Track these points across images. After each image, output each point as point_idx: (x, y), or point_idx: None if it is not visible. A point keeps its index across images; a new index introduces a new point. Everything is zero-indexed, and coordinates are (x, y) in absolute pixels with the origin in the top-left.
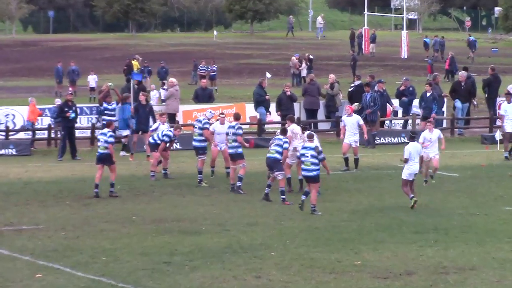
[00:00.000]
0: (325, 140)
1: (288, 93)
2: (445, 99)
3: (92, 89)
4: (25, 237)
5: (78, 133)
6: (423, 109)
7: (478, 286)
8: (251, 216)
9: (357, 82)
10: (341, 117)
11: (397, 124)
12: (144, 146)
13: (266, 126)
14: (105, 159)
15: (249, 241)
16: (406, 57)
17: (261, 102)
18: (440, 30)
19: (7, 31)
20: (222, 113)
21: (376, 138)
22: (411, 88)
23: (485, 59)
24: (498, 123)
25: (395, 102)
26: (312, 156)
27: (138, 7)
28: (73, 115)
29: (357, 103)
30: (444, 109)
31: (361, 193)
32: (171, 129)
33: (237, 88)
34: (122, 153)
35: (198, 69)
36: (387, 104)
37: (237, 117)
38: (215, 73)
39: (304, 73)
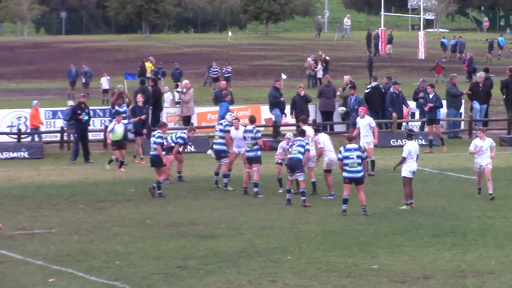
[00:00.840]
0: (342, 142)
1: (302, 93)
2: (462, 100)
3: (105, 91)
4: (37, 241)
5: (91, 136)
6: (426, 112)
7: None
8: (266, 219)
9: (373, 84)
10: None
11: (414, 126)
12: (136, 147)
13: (281, 128)
14: (154, 161)
15: (264, 245)
16: (423, 58)
17: (276, 104)
18: (458, 31)
19: (19, 32)
20: (237, 118)
21: (393, 140)
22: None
23: (504, 60)
24: None
25: (412, 104)
26: (358, 157)
27: (151, 8)
28: (86, 117)
29: (343, 108)
30: (462, 110)
31: (377, 196)
32: (185, 131)
33: (252, 89)
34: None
35: (210, 71)
36: (403, 105)
37: (252, 120)
38: (229, 74)
39: (319, 74)
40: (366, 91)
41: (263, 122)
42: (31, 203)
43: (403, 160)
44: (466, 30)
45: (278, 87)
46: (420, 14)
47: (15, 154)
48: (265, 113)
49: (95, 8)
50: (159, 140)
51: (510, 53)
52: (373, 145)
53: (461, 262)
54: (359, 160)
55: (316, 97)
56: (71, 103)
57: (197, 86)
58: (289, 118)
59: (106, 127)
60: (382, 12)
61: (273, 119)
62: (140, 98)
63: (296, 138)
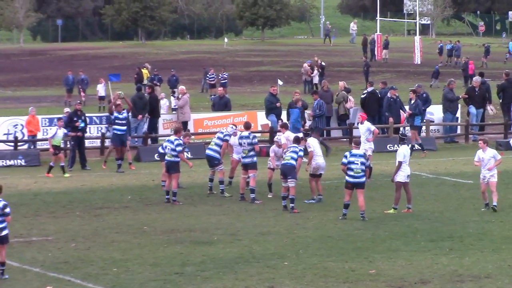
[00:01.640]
0: (339, 148)
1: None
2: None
3: (102, 98)
4: (35, 248)
5: (87, 143)
6: (406, 118)
7: None
8: (263, 225)
9: (369, 89)
10: (353, 124)
11: None
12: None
13: (278, 134)
14: (171, 167)
15: (262, 251)
16: (419, 62)
17: (272, 109)
18: (454, 35)
19: (15, 40)
20: (234, 125)
21: (389, 145)
22: (424, 95)
23: (500, 64)
24: None
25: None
26: (362, 164)
27: (147, 15)
28: (82, 124)
29: (308, 111)
30: (458, 115)
31: (374, 201)
32: (181, 137)
33: (248, 95)
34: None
35: (207, 77)
36: (401, 110)
37: (247, 126)
38: (226, 80)
39: (316, 80)
40: (362, 96)
41: (259, 128)
42: (28, 210)
43: (400, 165)
44: (462, 35)
45: (273, 93)
46: (416, 19)
47: (12, 162)
48: (261, 119)
49: (91, 15)
50: (179, 148)
51: (506, 57)
52: (371, 151)
53: (458, 267)
54: (363, 167)
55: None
56: (67, 110)
57: (194, 93)
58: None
59: (103, 134)
60: (378, 17)
61: (270, 125)
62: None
63: (292, 145)
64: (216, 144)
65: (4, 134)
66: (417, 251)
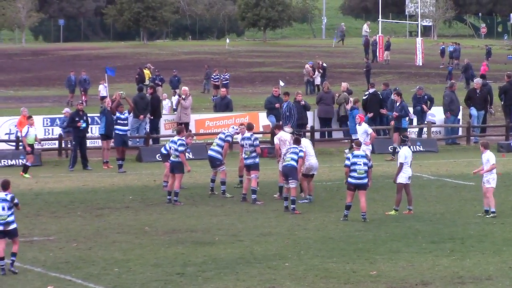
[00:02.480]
0: (340, 149)
1: (303, 102)
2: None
3: (103, 98)
4: (36, 248)
5: (89, 143)
6: (393, 120)
7: None
8: (264, 226)
9: (371, 90)
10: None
11: (413, 132)
12: (103, 153)
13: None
14: (175, 167)
15: (263, 252)
16: (421, 64)
17: (271, 110)
18: (456, 37)
19: (17, 40)
20: (242, 124)
21: (391, 146)
22: (425, 97)
23: (502, 66)
24: None
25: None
26: (365, 164)
27: (149, 15)
28: (84, 124)
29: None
30: (460, 117)
31: (376, 202)
32: (183, 137)
33: (250, 96)
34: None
35: (212, 78)
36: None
37: (250, 127)
38: (227, 81)
39: (317, 81)
40: (364, 97)
41: (261, 129)
42: (30, 210)
43: (401, 166)
44: (464, 37)
45: (275, 95)
46: (417, 21)
47: (13, 162)
48: (263, 120)
49: (93, 15)
50: (181, 148)
51: (508, 59)
52: (369, 152)
53: (459, 268)
54: (366, 168)
55: (314, 104)
56: (67, 110)
57: (195, 93)
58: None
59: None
60: (380, 19)
61: (271, 126)
62: (108, 101)
63: (290, 146)
64: (218, 145)
65: (6, 134)
66: (418, 253)
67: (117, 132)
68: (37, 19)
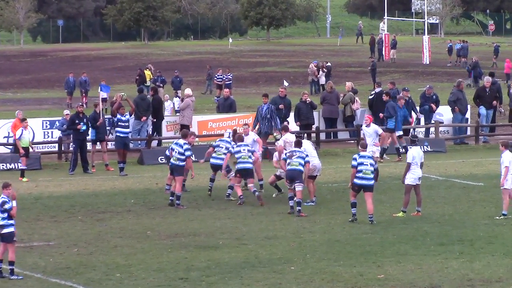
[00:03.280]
0: (346, 150)
1: (308, 100)
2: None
3: (104, 100)
4: (36, 254)
5: (89, 146)
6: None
7: None
8: (269, 229)
9: (377, 90)
10: (361, 125)
11: (420, 132)
12: (103, 156)
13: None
14: (175, 170)
15: (268, 256)
16: (428, 62)
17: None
18: (463, 35)
19: (15, 41)
20: (246, 124)
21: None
22: (434, 96)
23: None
24: None
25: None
26: (371, 165)
27: (150, 15)
28: (84, 127)
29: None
30: (468, 115)
31: (383, 204)
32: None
33: (253, 97)
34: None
35: (215, 78)
36: (412, 112)
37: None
38: (230, 81)
39: (322, 80)
40: (370, 97)
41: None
42: (29, 215)
43: (409, 166)
44: (471, 34)
45: (281, 95)
46: (424, 18)
47: (12, 165)
48: None
49: (92, 15)
50: (188, 153)
51: None
52: (378, 154)
53: (468, 271)
54: (372, 168)
55: (318, 104)
56: (67, 112)
57: (197, 94)
58: (293, 126)
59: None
60: (386, 17)
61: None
62: (98, 106)
63: (294, 149)
64: (224, 153)
65: (5, 137)
66: (426, 255)
67: (118, 134)
68: (35, 19)
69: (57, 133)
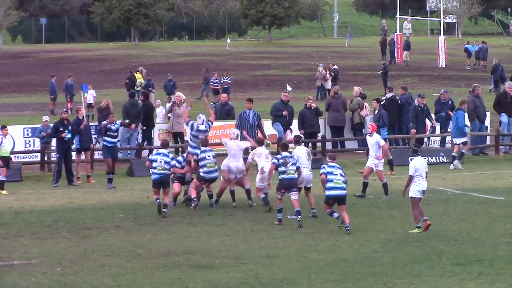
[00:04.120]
0: (354, 160)
1: (314, 106)
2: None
3: (90, 105)
4: (16, 273)
5: (74, 156)
6: None
7: None
8: (270, 247)
9: (389, 95)
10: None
11: (435, 141)
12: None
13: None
14: (165, 181)
15: (269, 276)
16: (444, 65)
17: (277, 117)
18: (482, 35)
19: None
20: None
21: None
22: (450, 102)
23: None
24: None
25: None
26: (341, 175)
27: (141, 13)
28: (69, 135)
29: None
30: (488, 123)
31: (395, 220)
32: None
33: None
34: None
35: (211, 82)
36: (427, 119)
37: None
38: (228, 85)
39: (328, 85)
40: (381, 103)
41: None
42: (9, 231)
43: (411, 179)
44: (491, 35)
45: (284, 100)
46: (440, 17)
47: None
48: (268, 128)
49: (78, 13)
50: (173, 163)
51: None
52: (382, 166)
53: None
54: (343, 178)
55: (324, 111)
56: (46, 118)
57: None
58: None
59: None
60: (398, 15)
61: (277, 135)
62: (81, 111)
63: (286, 155)
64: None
65: None
66: (442, 276)
67: (105, 144)
68: (16, 17)
69: (38, 142)
